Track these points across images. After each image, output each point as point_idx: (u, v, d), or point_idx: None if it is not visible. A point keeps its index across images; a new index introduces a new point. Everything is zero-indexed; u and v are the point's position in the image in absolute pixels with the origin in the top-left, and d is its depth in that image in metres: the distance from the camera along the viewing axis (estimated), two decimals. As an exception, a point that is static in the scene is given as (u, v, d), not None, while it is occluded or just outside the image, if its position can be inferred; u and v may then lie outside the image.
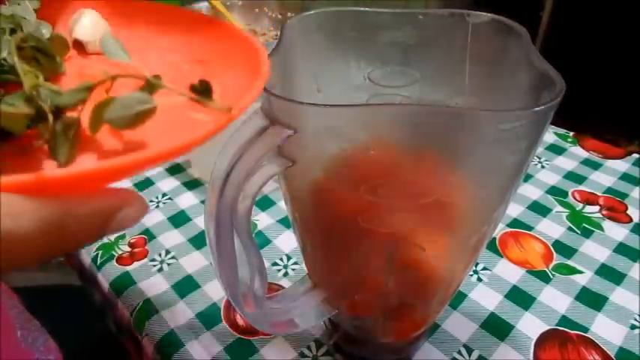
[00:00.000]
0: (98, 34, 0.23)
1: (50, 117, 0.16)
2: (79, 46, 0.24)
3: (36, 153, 0.17)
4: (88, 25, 0.24)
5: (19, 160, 0.16)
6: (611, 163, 0.52)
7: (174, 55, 0.23)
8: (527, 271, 0.39)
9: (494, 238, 0.43)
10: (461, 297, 0.37)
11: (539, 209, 0.46)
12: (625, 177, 0.50)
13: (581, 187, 0.49)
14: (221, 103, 0.16)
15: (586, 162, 0.53)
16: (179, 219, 0.46)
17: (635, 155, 0.53)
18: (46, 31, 0.22)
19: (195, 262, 0.41)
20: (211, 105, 0.17)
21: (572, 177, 0.50)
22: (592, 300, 0.37)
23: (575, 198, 0.48)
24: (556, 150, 0.55)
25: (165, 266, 0.41)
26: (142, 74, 0.17)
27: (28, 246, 0.12)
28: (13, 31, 0.20)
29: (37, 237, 0.12)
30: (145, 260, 0.41)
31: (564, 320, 0.35)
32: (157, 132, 0.17)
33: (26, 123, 0.16)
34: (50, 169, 0.16)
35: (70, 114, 0.17)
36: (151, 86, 0.17)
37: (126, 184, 0.49)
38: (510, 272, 0.39)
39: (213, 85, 0.17)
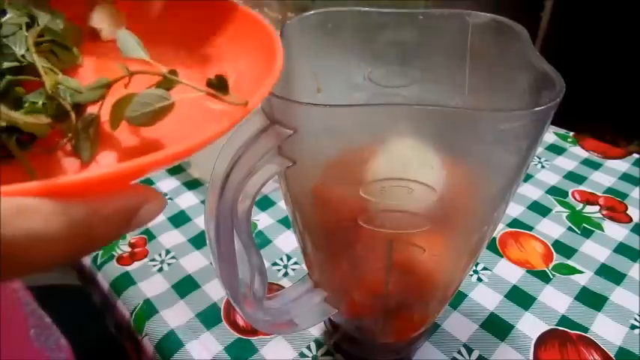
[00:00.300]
0: (113, 21, 0.24)
1: (72, 115, 0.16)
2: (94, 34, 0.24)
3: (60, 151, 0.17)
4: (103, 13, 0.24)
5: (45, 160, 0.17)
6: (611, 163, 0.52)
7: (187, 40, 0.23)
8: (527, 271, 0.39)
9: (494, 238, 0.43)
10: (461, 297, 0.37)
11: (539, 209, 0.46)
12: (625, 177, 0.50)
13: (581, 187, 0.49)
14: (237, 98, 0.16)
15: (586, 162, 0.53)
16: (179, 219, 0.46)
17: (635, 155, 0.53)
18: (59, 22, 0.21)
19: (195, 262, 0.41)
20: (228, 99, 0.17)
21: (572, 177, 0.50)
22: (592, 300, 0.37)
23: (575, 198, 0.48)
24: (556, 150, 0.55)
25: (165, 266, 0.41)
26: (159, 70, 0.17)
27: (57, 247, 0.12)
28: (27, 26, 0.20)
29: (66, 238, 0.12)
30: (145, 260, 0.41)
31: (564, 320, 0.35)
32: (174, 124, 0.17)
33: (49, 127, 0.16)
34: (77, 171, 0.16)
35: (90, 109, 0.17)
36: (167, 82, 0.17)
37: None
38: (510, 272, 0.39)
39: (228, 71, 0.17)
